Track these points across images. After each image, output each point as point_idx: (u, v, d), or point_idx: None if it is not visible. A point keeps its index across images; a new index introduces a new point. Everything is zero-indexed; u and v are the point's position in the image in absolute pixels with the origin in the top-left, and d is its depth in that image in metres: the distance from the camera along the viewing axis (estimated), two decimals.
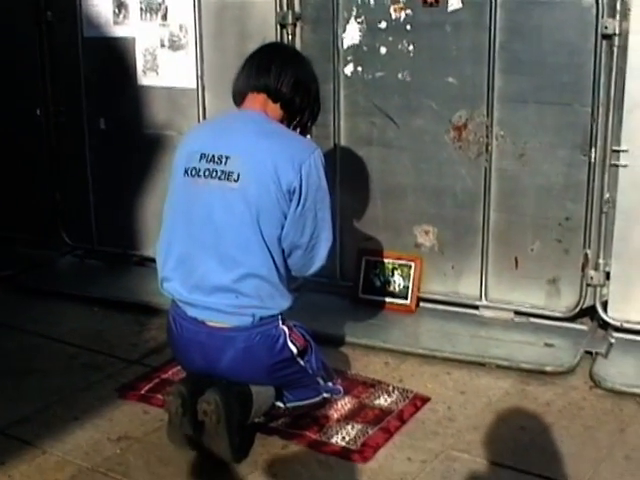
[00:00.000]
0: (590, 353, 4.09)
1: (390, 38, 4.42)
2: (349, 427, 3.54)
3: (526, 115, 4.20)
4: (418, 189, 4.54)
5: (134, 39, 5.05)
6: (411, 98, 4.45)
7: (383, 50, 4.45)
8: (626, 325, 4.15)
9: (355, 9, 4.48)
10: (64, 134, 5.47)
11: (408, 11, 4.35)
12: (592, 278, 4.20)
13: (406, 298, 4.63)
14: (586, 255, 4.20)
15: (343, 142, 4.66)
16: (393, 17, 4.39)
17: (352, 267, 4.77)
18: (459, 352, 4.16)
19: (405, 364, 4.13)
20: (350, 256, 4.76)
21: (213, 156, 3.26)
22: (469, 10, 4.21)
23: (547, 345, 4.19)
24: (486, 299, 4.48)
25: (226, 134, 3.33)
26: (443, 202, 4.49)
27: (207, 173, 3.26)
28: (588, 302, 4.25)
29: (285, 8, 4.62)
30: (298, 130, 3.47)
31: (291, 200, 3.21)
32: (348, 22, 4.51)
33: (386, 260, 4.69)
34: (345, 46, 4.54)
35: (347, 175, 4.66)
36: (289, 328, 3.34)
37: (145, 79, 5.09)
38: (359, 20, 4.48)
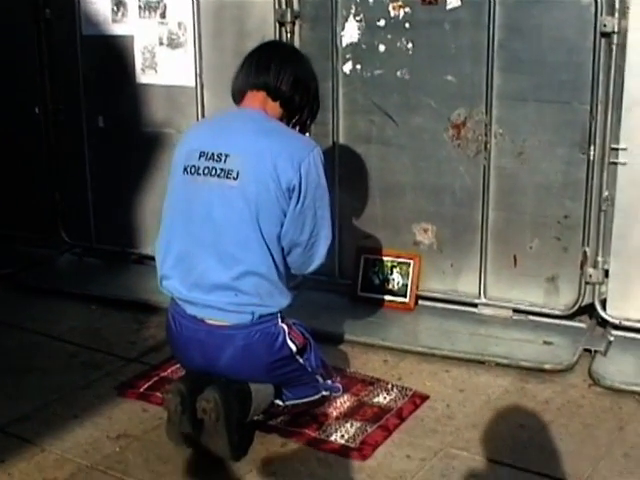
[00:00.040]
0: (589, 351, 4.09)
1: (389, 36, 4.42)
2: (348, 425, 3.54)
3: (525, 113, 4.20)
4: (417, 187, 4.54)
5: (133, 37, 5.05)
6: (410, 96, 4.45)
7: (382, 48, 4.45)
8: (625, 323, 4.15)
9: (354, 7, 4.48)
10: (63, 132, 5.47)
11: (407, 9, 4.35)
12: (591, 276, 4.20)
13: (405, 296, 4.64)
14: (585, 253, 4.20)
15: (342, 140, 4.66)
16: (392, 15, 4.39)
17: (351, 265, 4.77)
18: (458, 350, 4.16)
19: (404, 362, 4.13)
20: (349, 254, 4.76)
21: (212, 154, 3.26)
22: (468, 8, 4.21)
23: (546, 343, 4.19)
24: (485, 297, 4.48)
25: (225, 132, 3.33)
26: (442, 200, 4.50)
27: (206, 171, 3.26)
28: (587, 300, 4.25)
29: (284, 6, 4.62)
30: (297, 128, 3.47)
31: (290, 198, 3.21)
32: (347, 20, 4.51)
33: (385, 258, 4.70)
34: (344, 44, 4.54)
35: (346, 173, 4.66)
36: (288, 326, 3.35)
37: (144, 77, 5.09)
38: (358, 18, 4.48)
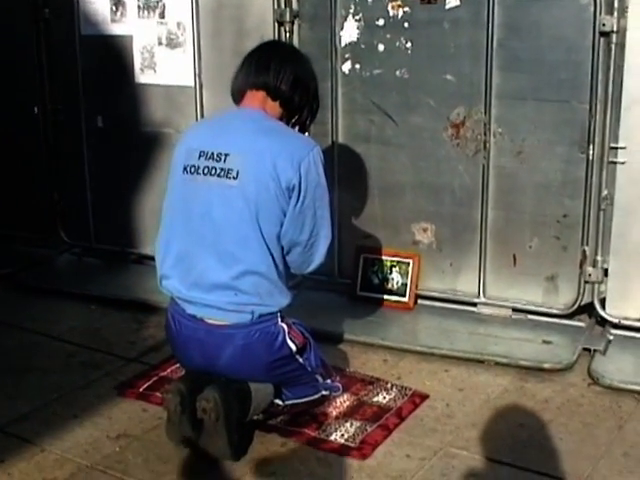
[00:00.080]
0: (588, 350, 4.09)
1: (388, 35, 4.42)
2: (348, 424, 3.54)
3: (524, 112, 4.21)
4: (416, 186, 4.54)
5: (132, 37, 5.05)
6: (409, 95, 4.45)
7: (381, 47, 4.45)
8: (624, 322, 4.16)
9: (353, 6, 4.48)
10: (62, 132, 5.47)
11: (406, 8, 4.35)
12: (590, 275, 4.20)
13: (404, 295, 4.64)
14: (584, 252, 4.20)
15: (341, 140, 4.66)
16: (391, 14, 4.39)
17: (350, 264, 4.77)
18: (457, 349, 4.16)
19: (403, 361, 4.13)
20: (348, 254, 4.77)
21: (212, 154, 3.26)
22: (467, 7, 4.22)
23: (545, 342, 4.19)
24: (484, 296, 4.48)
25: (225, 132, 3.33)
26: (441, 199, 4.50)
27: (206, 171, 3.26)
28: (586, 299, 4.25)
29: (283, 6, 4.62)
30: (297, 128, 3.47)
31: (290, 197, 3.21)
32: (346, 19, 4.51)
33: (384, 257, 4.70)
34: (343, 43, 4.54)
35: (345, 173, 4.67)
36: (288, 325, 3.34)
37: (143, 77, 5.09)
38: (357, 17, 4.48)
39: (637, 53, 3.90)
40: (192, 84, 4.93)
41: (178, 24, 4.90)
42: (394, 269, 4.67)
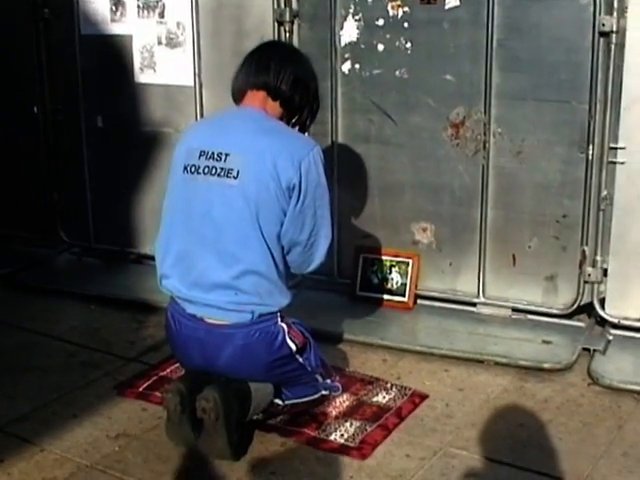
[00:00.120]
0: (588, 350, 4.09)
1: (388, 35, 4.42)
2: (347, 424, 3.54)
3: (524, 112, 4.21)
4: (416, 186, 4.54)
5: (131, 37, 5.05)
6: (409, 95, 4.45)
7: (381, 47, 4.45)
8: (624, 322, 4.16)
9: (352, 6, 4.48)
10: (61, 132, 5.47)
11: (406, 8, 4.35)
12: (589, 275, 4.20)
13: (404, 295, 4.64)
14: (583, 252, 4.20)
15: (341, 139, 4.66)
16: (391, 14, 4.39)
17: (350, 264, 4.77)
18: (457, 349, 4.16)
19: (403, 361, 4.13)
20: (348, 253, 4.77)
21: (213, 153, 3.26)
22: (466, 7, 4.22)
23: (545, 342, 4.19)
24: (484, 296, 4.49)
25: (225, 131, 3.33)
26: (441, 199, 4.50)
27: (206, 170, 3.26)
28: (586, 299, 4.26)
29: (282, 5, 4.62)
30: (297, 128, 3.47)
31: (290, 197, 3.21)
32: (345, 19, 4.51)
33: (384, 257, 4.70)
34: (342, 43, 4.54)
35: (345, 172, 4.67)
36: (288, 325, 3.34)
37: (142, 77, 5.09)
38: (357, 17, 4.48)
39: (637, 53, 3.90)
40: (192, 84, 4.93)
41: (178, 24, 4.90)
42: (393, 269, 4.67)
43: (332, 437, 3.45)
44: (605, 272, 4.18)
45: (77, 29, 5.20)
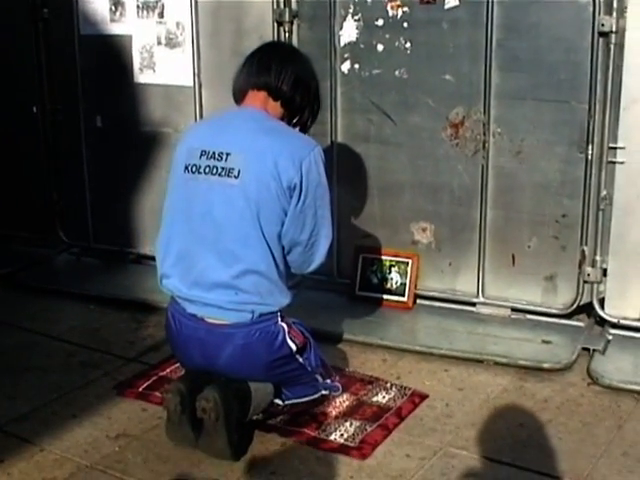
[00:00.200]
0: (587, 350, 4.09)
1: (387, 35, 4.42)
2: (347, 424, 3.54)
3: (523, 112, 4.21)
4: (415, 186, 4.54)
5: (131, 37, 5.05)
6: (408, 95, 4.45)
7: (380, 47, 4.45)
8: (623, 322, 4.16)
9: (352, 6, 4.48)
10: (61, 132, 5.47)
11: (405, 8, 4.35)
12: (589, 275, 4.20)
13: (403, 295, 4.64)
14: (583, 252, 4.20)
15: (340, 139, 4.66)
16: (390, 14, 4.39)
17: (349, 264, 4.78)
18: (456, 349, 4.16)
19: (402, 361, 4.13)
20: (347, 253, 4.77)
21: (214, 153, 3.26)
22: (466, 7, 4.22)
23: (544, 342, 4.20)
24: (483, 296, 4.49)
25: (226, 131, 3.33)
26: (440, 199, 4.50)
27: (207, 170, 3.26)
28: (585, 299, 4.26)
29: (282, 5, 4.62)
30: (298, 128, 3.47)
31: (291, 197, 3.21)
32: (345, 19, 4.51)
33: (383, 257, 4.70)
34: (342, 43, 4.55)
35: (344, 172, 4.67)
36: (288, 325, 3.34)
37: (142, 77, 5.09)
38: (356, 17, 4.48)
39: (636, 53, 3.90)
40: (191, 84, 4.93)
41: (177, 24, 4.90)
42: (393, 269, 4.68)
43: (332, 437, 3.45)
44: (604, 272, 4.19)
45: (76, 29, 5.21)
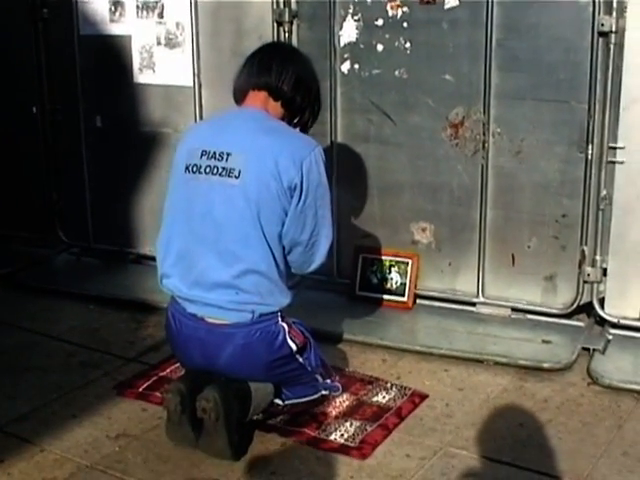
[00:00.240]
0: (587, 350, 4.09)
1: (387, 35, 4.42)
2: (347, 424, 3.54)
3: (523, 112, 4.21)
4: (415, 186, 4.55)
5: (130, 37, 5.05)
6: (408, 95, 4.45)
7: (380, 47, 4.45)
8: (623, 322, 4.16)
9: (352, 6, 4.48)
10: (60, 132, 5.47)
11: (405, 8, 4.35)
12: (589, 275, 4.20)
13: (403, 295, 4.64)
14: (583, 252, 4.21)
15: (340, 139, 4.66)
16: (390, 14, 4.39)
17: (349, 264, 4.78)
18: (456, 349, 4.16)
19: (402, 361, 4.13)
20: (347, 253, 4.77)
21: (214, 153, 3.26)
22: (466, 7, 4.22)
23: (544, 342, 4.20)
24: (483, 296, 4.49)
25: (227, 131, 3.33)
26: (440, 199, 4.50)
27: (208, 170, 3.26)
28: (585, 299, 4.26)
29: (282, 6, 4.62)
30: (298, 129, 3.47)
31: (292, 197, 3.21)
32: (345, 19, 4.51)
33: (383, 257, 4.70)
34: (342, 43, 4.55)
35: (344, 172, 4.67)
36: (288, 325, 3.34)
37: (141, 77, 5.09)
38: (356, 17, 4.48)
39: (636, 53, 3.91)
40: (191, 84, 4.93)
41: (177, 24, 4.90)
42: (393, 269, 4.68)
43: (332, 437, 3.45)
44: (604, 272, 4.19)
45: (76, 29, 5.20)
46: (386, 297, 4.68)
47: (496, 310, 4.46)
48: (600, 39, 3.97)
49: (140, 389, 3.87)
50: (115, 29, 5.10)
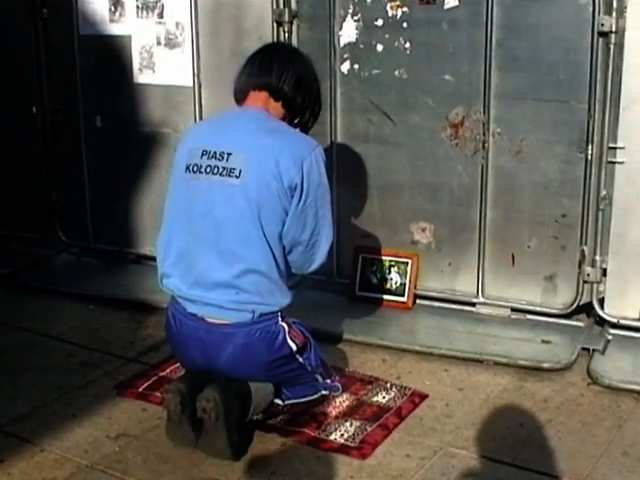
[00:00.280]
0: (587, 350, 4.09)
1: (387, 35, 4.42)
2: (348, 424, 3.54)
3: (523, 112, 4.21)
4: (415, 186, 4.55)
5: (130, 37, 5.05)
6: (408, 95, 4.45)
7: (380, 47, 4.46)
8: (623, 322, 4.16)
9: (352, 6, 4.48)
10: (60, 132, 5.47)
11: (405, 9, 4.35)
12: (589, 275, 4.20)
13: (403, 295, 4.64)
14: (583, 252, 4.21)
15: (340, 139, 4.67)
16: (390, 14, 4.39)
17: (349, 264, 4.78)
18: (456, 349, 4.16)
19: (402, 361, 4.13)
20: (347, 253, 4.77)
21: (215, 152, 3.27)
22: (465, 7, 4.22)
23: (544, 342, 4.20)
24: (483, 296, 4.49)
25: (227, 131, 3.33)
26: (440, 199, 4.50)
27: (209, 169, 3.26)
28: (585, 299, 4.26)
29: (282, 6, 4.62)
30: (299, 129, 3.47)
31: (292, 197, 3.22)
32: (345, 20, 4.51)
33: (383, 257, 4.70)
34: (342, 44, 4.55)
35: (344, 172, 4.67)
36: (288, 325, 3.34)
37: (141, 77, 5.09)
38: (356, 18, 4.48)
39: (636, 53, 3.91)
40: (191, 84, 4.93)
41: (177, 24, 4.90)
42: (393, 269, 4.68)
43: (332, 437, 3.45)
44: (604, 272, 4.19)
45: (76, 29, 5.20)
46: (386, 297, 4.68)
47: (496, 310, 4.47)
48: (600, 39, 3.97)
49: (140, 389, 3.87)
50: (115, 29, 5.10)
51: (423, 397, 3.77)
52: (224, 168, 3.23)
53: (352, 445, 3.39)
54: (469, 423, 3.55)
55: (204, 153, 3.29)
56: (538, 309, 4.38)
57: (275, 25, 4.64)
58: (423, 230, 4.59)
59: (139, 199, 5.25)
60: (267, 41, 4.36)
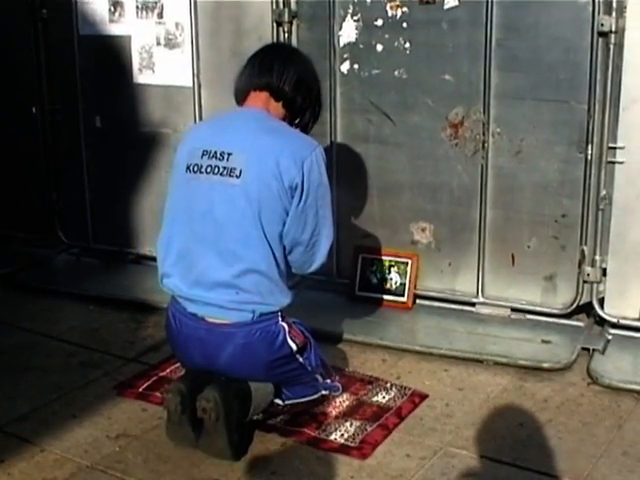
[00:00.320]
0: (587, 349, 4.09)
1: (386, 35, 4.42)
2: (348, 424, 3.54)
3: (523, 112, 4.21)
4: (415, 186, 4.55)
5: (130, 37, 5.05)
6: (407, 95, 4.45)
7: (379, 47, 4.45)
8: (622, 322, 4.16)
9: (351, 7, 4.48)
10: (60, 132, 5.46)
11: (405, 9, 4.35)
12: (589, 275, 4.20)
13: (403, 295, 4.64)
14: (582, 252, 4.21)
15: (340, 139, 4.67)
16: (389, 15, 4.39)
17: (349, 264, 4.78)
18: (456, 349, 4.16)
19: (402, 361, 4.13)
20: (347, 253, 4.77)
21: (215, 152, 3.27)
22: (465, 7, 4.22)
23: (544, 342, 4.20)
24: (483, 296, 4.49)
25: (228, 131, 3.33)
26: (440, 199, 4.50)
27: (209, 169, 3.26)
28: (585, 299, 4.26)
29: (281, 6, 4.62)
30: (299, 130, 3.46)
31: (293, 196, 3.22)
32: (344, 20, 4.51)
33: (383, 257, 4.70)
34: (341, 44, 4.55)
35: (344, 172, 4.67)
36: (288, 325, 3.35)
37: (141, 77, 5.09)
38: (355, 18, 4.48)
39: (636, 53, 3.90)
40: (190, 84, 4.93)
41: (176, 24, 4.90)
42: (393, 269, 4.68)
43: (332, 437, 3.45)
44: (604, 272, 4.19)
45: (76, 29, 5.20)
46: (386, 297, 4.68)
47: (496, 310, 4.47)
48: (600, 39, 3.96)
49: (140, 389, 3.87)
50: (115, 29, 5.09)
51: (423, 397, 3.77)
52: (224, 168, 3.23)
53: (352, 445, 3.39)
54: (469, 423, 3.55)
55: (204, 153, 3.29)
56: (538, 309, 4.38)
57: (275, 25, 4.63)
58: (423, 230, 4.59)
59: (139, 199, 5.25)
60: (267, 41, 4.37)
